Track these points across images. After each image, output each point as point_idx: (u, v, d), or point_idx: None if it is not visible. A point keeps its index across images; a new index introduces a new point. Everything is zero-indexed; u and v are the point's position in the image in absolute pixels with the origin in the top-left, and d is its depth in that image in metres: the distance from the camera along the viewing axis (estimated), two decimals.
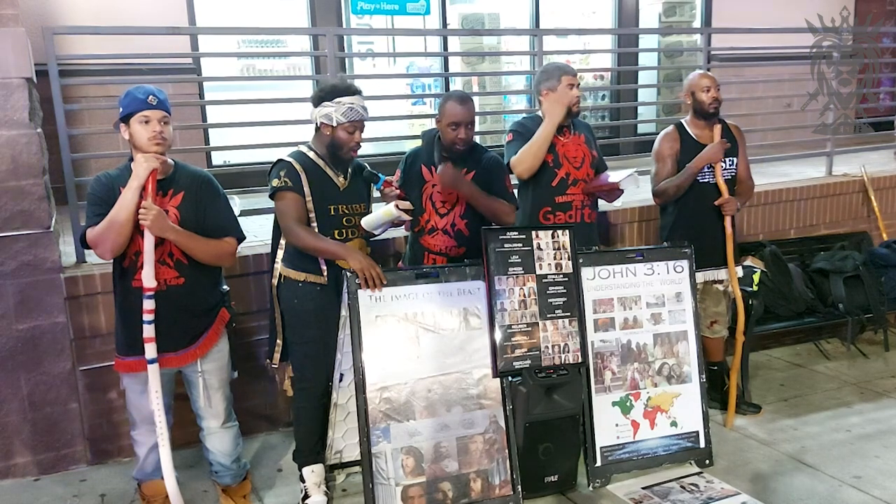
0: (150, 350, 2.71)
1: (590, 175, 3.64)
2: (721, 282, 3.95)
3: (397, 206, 2.99)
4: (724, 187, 3.80)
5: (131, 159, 2.82)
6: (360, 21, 6.66)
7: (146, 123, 2.70)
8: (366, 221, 3.06)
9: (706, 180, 3.84)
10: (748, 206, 4.70)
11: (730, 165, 3.89)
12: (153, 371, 2.73)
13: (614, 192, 3.62)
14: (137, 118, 2.70)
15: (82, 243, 2.82)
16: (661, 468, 3.51)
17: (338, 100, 2.97)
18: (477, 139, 3.50)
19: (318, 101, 3.02)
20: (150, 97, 2.71)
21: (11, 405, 3.47)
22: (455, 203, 3.31)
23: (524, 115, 3.94)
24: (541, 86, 3.62)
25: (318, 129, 3.06)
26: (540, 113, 3.69)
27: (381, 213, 3.03)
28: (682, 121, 3.98)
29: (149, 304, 2.69)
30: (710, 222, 3.84)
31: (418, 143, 3.47)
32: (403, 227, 3.34)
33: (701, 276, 3.89)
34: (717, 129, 3.82)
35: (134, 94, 2.71)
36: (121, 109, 2.73)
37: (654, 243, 4.56)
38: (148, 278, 2.67)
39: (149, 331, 2.70)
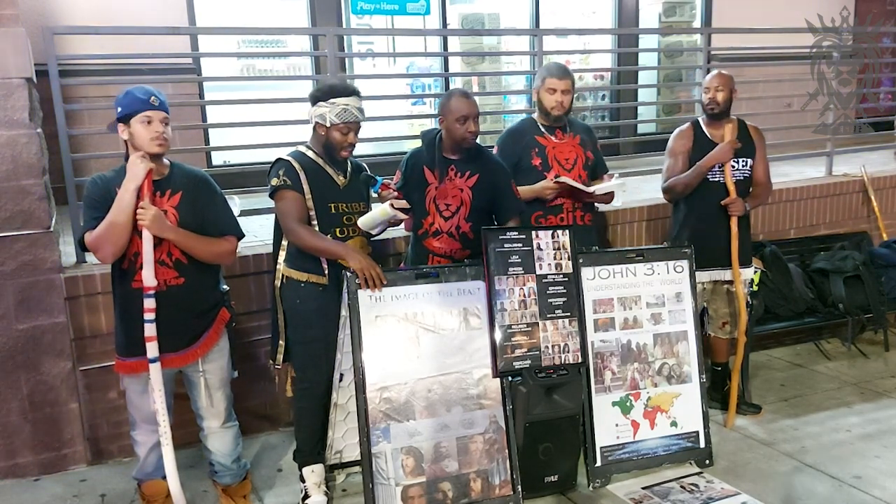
0: (152, 349, 2.71)
1: (582, 177, 3.61)
2: (731, 282, 3.94)
3: (392, 206, 2.99)
4: (732, 187, 3.79)
5: (127, 159, 2.82)
6: (360, 21, 6.66)
7: (148, 124, 2.70)
8: (362, 221, 3.06)
9: (716, 179, 3.82)
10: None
11: (743, 166, 3.86)
12: (155, 370, 2.73)
13: (598, 197, 3.60)
14: (139, 118, 2.69)
15: (81, 247, 2.81)
16: (661, 468, 3.51)
17: (332, 100, 2.97)
18: (477, 139, 3.49)
19: (314, 100, 3.03)
20: (152, 98, 2.70)
21: (11, 405, 3.47)
22: (459, 206, 3.31)
23: (522, 117, 3.92)
24: (534, 84, 3.64)
25: (314, 128, 3.07)
26: (535, 115, 3.71)
27: (378, 213, 3.03)
28: (699, 118, 3.97)
29: (149, 304, 2.69)
30: (719, 222, 3.82)
31: (418, 143, 3.47)
32: (403, 226, 3.34)
33: (708, 276, 3.89)
34: (729, 128, 3.79)
35: (134, 93, 2.70)
36: (119, 109, 2.71)
37: (660, 242, 4.56)
38: (148, 278, 2.67)
39: (150, 330, 2.70)
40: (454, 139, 3.27)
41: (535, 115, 3.71)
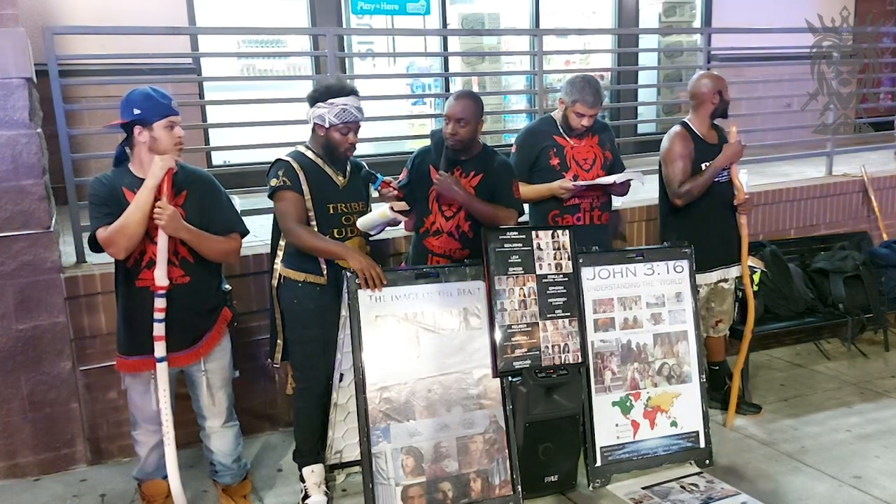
0: (160, 348, 2.71)
1: (600, 177, 3.63)
2: (727, 280, 3.95)
3: (392, 208, 2.99)
4: (739, 186, 3.81)
5: (120, 161, 2.81)
6: (360, 21, 6.66)
7: (171, 129, 2.71)
8: (361, 222, 3.06)
9: (716, 179, 3.83)
10: None
11: None
12: (162, 369, 2.73)
13: (619, 186, 3.61)
14: (163, 123, 2.70)
15: (91, 245, 2.79)
16: (661, 468, 3.51)
17: (331, 101, 2.97)
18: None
19: (312, 101, 3.02)
20: (173, 102, 2.73)
21: (11, 405, 3.46)
22: (461, 206, 3.31)
23: (541, 116, 3.92)
24: (562, 93, 3.63)
25: (313, 129, 3.07)
26: (553, 113, 3.73)
27: (377, 215, 3.03)
28: (687, 120, 3.94)
29: (160, 303, 2.69)
30: (722, 222, 3.85)
31: (418, 143, 3.47)
32: (403, 226, 3.34)
33: (716, 276, 3.89)
34: (734, 129, 3.82)
35: (155, 97, 2.70)
36: (136, 112, 2.68)
37: (656, 243, 4.56)
38: (161, 277, 2.68)
39: (159, 329, 2.70)
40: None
41: (555, 115, 3.72)
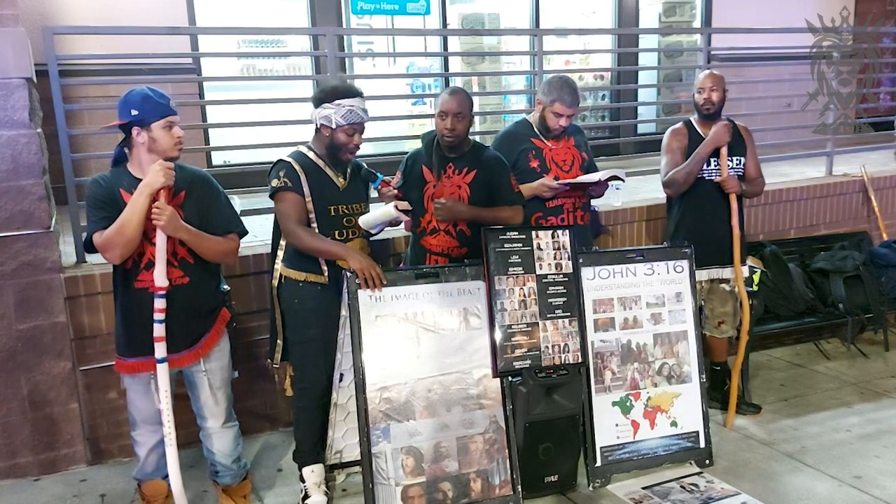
0: (160, 349, 2.71)
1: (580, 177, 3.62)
2: (727, 281, 3.95)
3: (396, 207, 2.99)
4: (725, 169, 3.78)
5: (119, 161, 2.80)
6: (360, 21, 6.66)
7: (170, 129, 2.70)
8: (363, 220, 3.06)
9: (711, 178, 3.83)
10: (748, 205, 4.70)
11: (737, 164, 3.88)
12: (162, 370, 2.72)
13: (598, 187, 3.60)
14: (162, 123, 2.68)
15: (87, 248, 2.78)
16: (661, 468, 3.51)
17: (338, 102, 2.97)
18: (476, 139, 3.50)
19: (318, 102, 3.02)
20: (171, 102, 2.71)
21: (11, 405, 3.47)
22: (468, 221, 3.30)
23: (516, 119, 3.91)
24: (539, 93, 3.62)
25: (317, 129, 3.06)
26: (529, 117, 3.71)
27: (380, 214, 3.03)
28: (692, 118, 3.98)
29: (160, 304, 2.68)
30: (715, 220, 3.84)
31: (418, 143, 3.48)
32: (403, 226, 3.34)
33: (706, 274, 3.89)
34: (720, 124, 3.81)
35: (153, 97, 2.68)
36: (134, 112, 2.66)
37: (660, 242, 4.56)
38: (160, 277, 2.67)
39: (159, 330, 2.69)
40: (438, 136, 3.26)
41: (530, 118, 3.70)
